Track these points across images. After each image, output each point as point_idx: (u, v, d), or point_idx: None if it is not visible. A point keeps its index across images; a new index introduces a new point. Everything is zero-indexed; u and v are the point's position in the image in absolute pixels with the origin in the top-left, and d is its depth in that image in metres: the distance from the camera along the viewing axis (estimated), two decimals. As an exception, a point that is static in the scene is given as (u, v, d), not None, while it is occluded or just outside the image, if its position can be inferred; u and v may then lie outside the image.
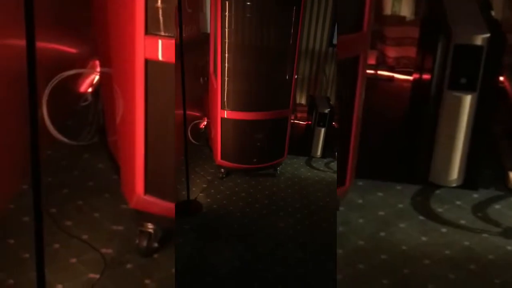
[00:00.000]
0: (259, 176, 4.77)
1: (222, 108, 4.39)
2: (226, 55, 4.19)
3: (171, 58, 2.41)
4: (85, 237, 2.85)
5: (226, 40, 4.14)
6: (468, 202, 3.24)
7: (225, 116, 4.42)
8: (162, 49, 2.40)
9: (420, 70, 3.57)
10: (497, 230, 3.02)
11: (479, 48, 2.93)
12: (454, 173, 3.20)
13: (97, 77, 3.87)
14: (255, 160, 4.65)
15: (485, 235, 2.98)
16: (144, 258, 2.77)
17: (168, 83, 2.48)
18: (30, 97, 1.67)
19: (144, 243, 2.77)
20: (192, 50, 4.75)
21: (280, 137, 4.75)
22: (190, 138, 4.94)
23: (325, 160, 5.43)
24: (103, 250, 2.78)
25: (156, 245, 2.81)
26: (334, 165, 5.29)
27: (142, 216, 2.75)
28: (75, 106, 3.89)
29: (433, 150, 3.17)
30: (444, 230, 3.13)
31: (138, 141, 2.57)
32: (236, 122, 4.47)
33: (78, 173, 3.42)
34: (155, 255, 2.79)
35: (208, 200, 4.16)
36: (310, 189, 4.65)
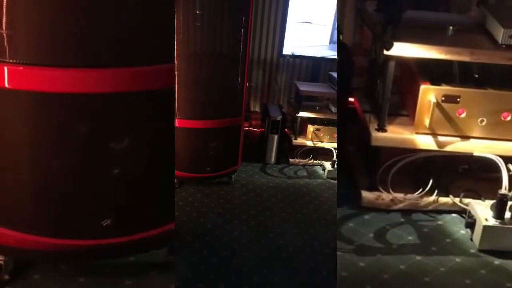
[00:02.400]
0: (213, 185, 4.65)
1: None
2: (176, 63, 4.00)
3: (19, 85, 2.30)
4: None
5: (175, 48, 3.96)
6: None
7: (177, 125, 4.28)
8: (8, 76, 2.28)
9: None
10: (350, 247, 3.03)
11: None
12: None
13: None
14: (208, 168, 4.54)
15: (339, 253, 2.98)
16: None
17: (19, 110, 2.37)
18: None
19: (-5, 276, 2.62)
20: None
21: (233, 145, 4.66)
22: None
23: (279, 166, 5.33)
24: None
25: (7, 277, 2.68)
26: (287, 171, 5.26)
27: None
28: None
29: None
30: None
31: None
32: (188, 130, 4.36)
33: None
34: (7, 288, 2.67)
35: (161, 211, 4.01)
36: (265, 195, 4.55)
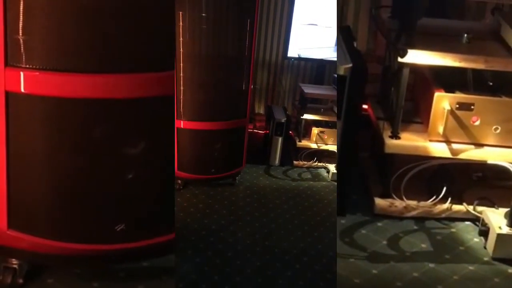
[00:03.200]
0: (218, 186, 4.63)
1: (178, 118, 4.26)
2: (181, 65, 4.10)
3: (35, 90, 2.30)
4: None
5: (181, 50, 4.05)
6: (337, 228, 3.17)
7: (182, 126, 4.28)
8: (24, 81, 2.28)
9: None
10: (363, 254, 3.02)
11: (342, 77, 2.98)
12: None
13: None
14: (213, 170, 4.51)
15: (351, 259, 2.96)
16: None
17: (34, 114, 2.36)
18: None
19: (9, 280, 2.60)
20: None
21: (238, 147, 4.64)
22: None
23: (283, 168, 5.32)
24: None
25: (21, 281, 2.65)
26: (291, 173, 5.24)
27: (6, 251, 2.58)
28: None
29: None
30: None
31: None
32: (192, 132, 4.34)
33: None
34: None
35: (165, 212, 3.99)
36: (269, 197, 4.54)
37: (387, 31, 3.41)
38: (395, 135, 3.22)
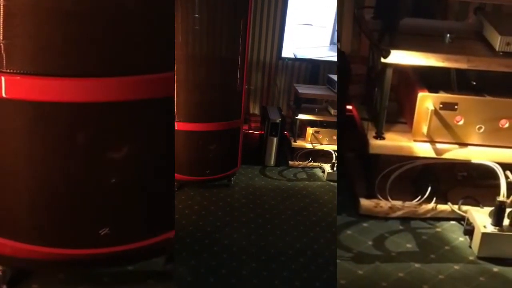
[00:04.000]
0: (213, 188, 4.64)
1: None
2: (175, 66, 4.04)
3: (17, 94, 2.30)
4: None
5: (175, 52, 4.00)
6: (322, 229, 3.09)
7: (176, 128, 4.27)
8: (5, 86, 2.28)
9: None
10: (348, 255, 3.00)
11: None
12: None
13: None
14: (208, 171, 4.53)
15: (338, 260, 2.95)
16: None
17: (16, 119, 2.36)
18: None
19: (-8, 285, 2.60)
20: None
21: (233, 148, 4.66)
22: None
23: (279, 169, 5.33)
24: None
25: (5, 287, 2.67)
26: (287, 173, 5.25)
27: None
28: None
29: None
30: (299, 257, 3.13)
31: None
32: (187, 133, 4.35)
33: None
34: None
35: (160, 215, 4.00)
36: (265, 197, 4.54)
37: (370, 32, 3.39)
38: (379, 136, 3.21)
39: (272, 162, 5.37)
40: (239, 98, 4.54)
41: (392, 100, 3.32)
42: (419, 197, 3.30)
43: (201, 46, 4.13)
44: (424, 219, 3.34)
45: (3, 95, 2.28)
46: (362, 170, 3.55)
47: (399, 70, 3.30)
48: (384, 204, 3.28)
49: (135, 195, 2.67)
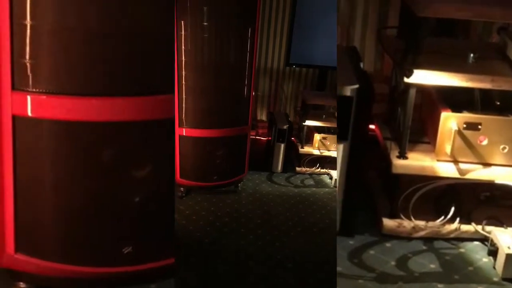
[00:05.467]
0: (220, 194, 4.61)
1: (181, 126, 4.28)
2: (183, 73, 4.12)
3: (43, 113, 2.31)
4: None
5: (183, 59, 4.08)
6: (344, 249, 3.19)
7: (184, 134, 4.29)
8: (31, 105, 2.29)
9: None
10: (371, 275, 2.98)
11: (349, 98, 2.98)
12: (330, 220, 3.07)
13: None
14: (215, 177, 4.52)
15: (360, 281, 2.93)
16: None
17: (41, 138, 2.37)
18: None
19: (17, 302, 2.59)
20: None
21: (240, 154, 4.64)
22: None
23: (286, 175, 5.30)
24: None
25: None
26: (294, 179, 5.22)
27: (14, 274, 2.57)
28: None
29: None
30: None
31: (7, 200, 2.42)
32: (195, 139, 4.35)
33: None
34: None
35: (167, 220, 3.97)
36: (271, 204, 4.51)
37: (393, 51, 3.38)
38: (402, 155, 3.18)
39: (279, 168, 5.34)
40: (247, 105, 4.54)
41: (415, 119, 3.28)
42: (442, 217, 3.27)
43: (209, 54, 4.13)
44: (448, 239, 3.32)
45: (29, 114, 2.29)
46: (385, 189, 3.51)
47: (422, 89, 3.28)
48: (407, 224, 3.25)
49: (156, 213, 2.66)
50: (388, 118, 3.61)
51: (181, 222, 3.99)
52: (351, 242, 3.26)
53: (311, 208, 4.48)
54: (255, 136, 5.97)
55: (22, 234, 2.48)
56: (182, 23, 3.99)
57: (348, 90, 2.98)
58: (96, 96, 2.34)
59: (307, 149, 5.35)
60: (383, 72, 4.32)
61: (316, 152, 5.31)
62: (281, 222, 4.13)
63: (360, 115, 3.01)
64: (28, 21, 2.20)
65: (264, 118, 6.41)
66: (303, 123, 5.30)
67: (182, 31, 4.01)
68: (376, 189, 3.63)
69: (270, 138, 5.44)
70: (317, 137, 5.27)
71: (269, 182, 5.08)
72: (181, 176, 4.40)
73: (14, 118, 2.31)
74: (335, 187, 5.00)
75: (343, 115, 3.05)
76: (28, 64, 2.25)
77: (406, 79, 3.01)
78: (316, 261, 3.47)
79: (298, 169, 5.38)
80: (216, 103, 4.31)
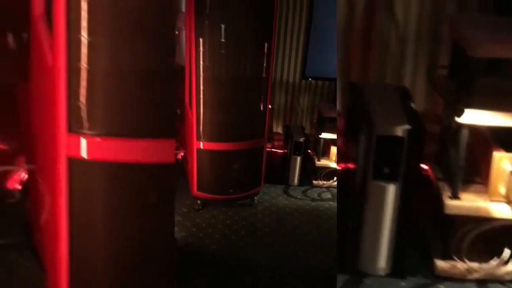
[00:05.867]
0: (237, 206, 4.61)
1: (198, 139, 4.31)
2: (201, 88, 4.18)
3: (97, 155, 2.32)
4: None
5: (201, 74, 4.15)
6: (397, 291, 3.15)
7: (201, 147, 4.32)
8: (86, 147, 2.30)
9: (346, 159, 3.61)
10: None
11: (400, 139, 2.95)
12: (382, 261, 3.16)
13: (25, 175, 3.77)
14: (231, 190, 4.53)
15: None
16: None
17: (95, 181, 2.37)
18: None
19: None
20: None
21: (256, 167, 4.64)
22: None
23: (302, 188, 5.29)
24: None
25: None
26: (311, 193, 5.21)
27: None
28: (1, 203, 3.76)
29: (361, 239, 3.14)
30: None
31: (62, 241, 2.42)
32: (212, 153, 4.36)
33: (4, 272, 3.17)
34: None
35: (183, 233, 3.98)
36: (288, 217, 4.51)
37: (444, 91, 3.35)
38: (455, 196, 3.14)
39: (296, 181, 5.34)
40: (263, 118, 4.55)
41: (466, 159, 3.23)
42: (497, 258, 3.23)
43: (227, 69, 4.19)
44: (503, 282, 3.26)
45: (84, 156, 2.30)
46: (437, 230, 3.46)
47: (474, 128, 3.22)
48: (461, 265, 3.22)
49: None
50: (439, 158, 3.57)
51: (198, 235, 3.99)
52: (403, 283, 3.21)
53: (328, 222, 4.46)
54: (271, 148, 5.98)
55: (76, 276, 2.47)
56: (201, 40, 4.07)
57: (399, 130, 2.94)
58: (144, 137, 2.37)
59: (323, 162, 5.35)
60: (433, 112, 4.28)
61: (333, 165, 5.29)
62: (298, 236, 4.13)
63: (412, 155, 2.98)
64: (83, 65, 2.21)
65: (280, 130, 6.46)
66: (319, 136, 5.29)
67: (200, 48, 4.09)
68: (428, 231, 3.57)
69: (286, 151, 5.42)
70: (333, 149, 5.26)
71: (286, 195, 5.07)
72: (198, 189, 4.41)
73: (70, 160, 2.31)
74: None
75: (391, 155, 3.01)
76: (84, 108, 2.25)
77: (457, 119, 2.97)
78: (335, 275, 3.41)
79: (314, 182, 5.37)
80: (233, 116, 4.33)
